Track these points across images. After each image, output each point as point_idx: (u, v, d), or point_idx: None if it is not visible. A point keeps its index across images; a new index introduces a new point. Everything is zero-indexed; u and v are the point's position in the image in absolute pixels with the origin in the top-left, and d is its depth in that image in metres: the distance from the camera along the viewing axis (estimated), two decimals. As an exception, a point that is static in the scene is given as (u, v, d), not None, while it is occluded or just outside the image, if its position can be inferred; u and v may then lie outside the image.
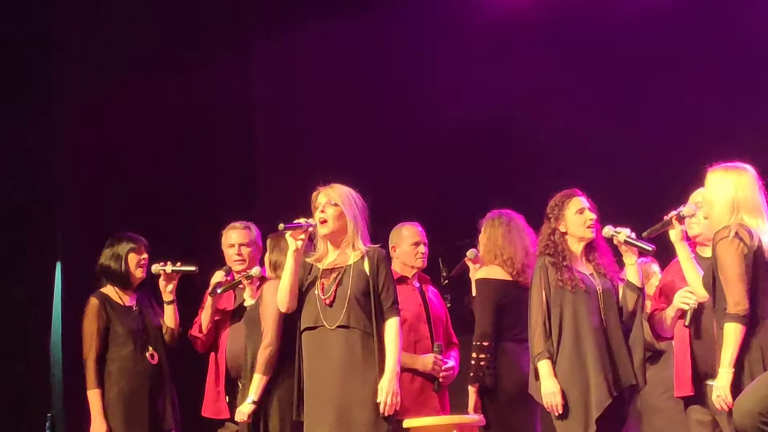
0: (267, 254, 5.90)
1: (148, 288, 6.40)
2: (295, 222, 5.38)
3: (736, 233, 4.92)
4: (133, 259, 6.28)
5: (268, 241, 5.92)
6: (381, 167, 7.72)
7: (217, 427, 6.23)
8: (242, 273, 6.18)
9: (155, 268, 6.28)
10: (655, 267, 6.12)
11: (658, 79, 7.74)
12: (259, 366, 5.66)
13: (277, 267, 5.78)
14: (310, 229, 5.39)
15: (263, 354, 5.66)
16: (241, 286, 6.18)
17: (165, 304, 6.29)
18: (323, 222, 5.40)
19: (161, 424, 6.15)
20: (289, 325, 5.59)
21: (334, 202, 5.40)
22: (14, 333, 7.86)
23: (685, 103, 7.60)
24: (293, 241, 5.37)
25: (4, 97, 7.99)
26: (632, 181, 7.41)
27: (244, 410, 5.68)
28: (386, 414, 5.22)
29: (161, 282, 6.29)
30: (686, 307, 5.27)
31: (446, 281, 6.44)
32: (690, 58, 7.66)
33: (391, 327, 5.34)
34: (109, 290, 6.29)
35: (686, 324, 5.27)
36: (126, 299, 6.28)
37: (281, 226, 5.37)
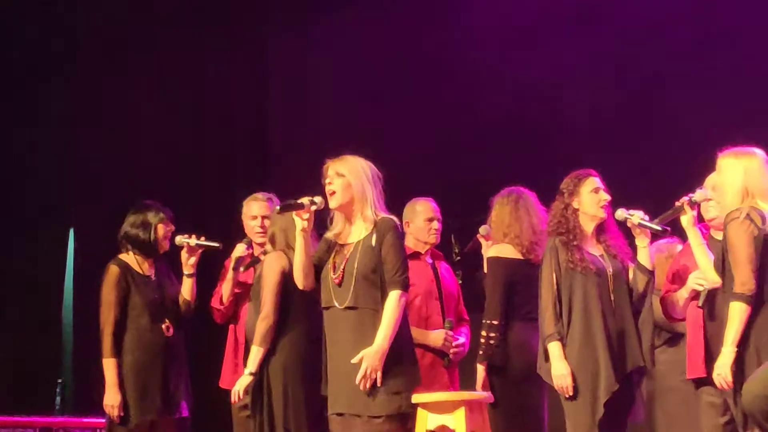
0: (267, 230, 5.92)
1: (165, 259, 6.38)
2: (287, 202, 5.36)
3: (747, 215, 4.94)
4: (161, 229, 6.24)
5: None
6: (397, 144, 7.71)
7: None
8: (261, 249, 6.16)
9: (179, 239, 6.26)
10: (681, 247, 6.10)
11: (679, 65, 7.71)
12: (256, 338, 5.65)
13: (274, 241, 5.79)
14: (314, 207, 5.35)
15: (261, 326, 5.64)
16: (260, 262, 6.16)
17: (185, 276, 6.27)
18: (332, 194, 5.36)
19: (173, 396, 6.13)
20: (294, 296, 5.58)
21: (340, 173, 5.36)
22: (26, 301, 7.92)
23: (705, 90, 7.56)
24: (299, 221, 5.31)
25: (23, 66, 8.04)
26: (650, 166, 7.41)
27: (242, 382, 5.68)
28: (361, 388, 5.16)
29: (183, 254, 6.27)
30: (700, 288, 5.28)
31: (458, 257, 6.44)
32: (713, 41, 7.62)
33: (390, 301, 5.19)
34: (130, 258, 6.24)
35: (700, 305, 5.28)
36: (145, 268, 6.25)
37: (277, 209, 5.38)
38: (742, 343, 4.92)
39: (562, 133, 7.80)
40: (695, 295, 5.34)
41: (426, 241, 6.11)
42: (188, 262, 6.26)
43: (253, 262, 6.18)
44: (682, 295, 5.43)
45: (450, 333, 5.98)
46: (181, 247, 6.27)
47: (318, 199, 5.34)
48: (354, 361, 5.15)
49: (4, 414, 6.90)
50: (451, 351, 5.99)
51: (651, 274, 5.53)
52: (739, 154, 5.11)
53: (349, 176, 5.33)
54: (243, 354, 6.05)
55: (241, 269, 6.19)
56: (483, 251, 6.22)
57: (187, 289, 6.27)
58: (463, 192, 7.42)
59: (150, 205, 6.31)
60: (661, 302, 5.55)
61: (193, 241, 6.25)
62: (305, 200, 5.33)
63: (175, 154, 8.24)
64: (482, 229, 6.20)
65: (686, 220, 5.32)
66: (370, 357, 5.14)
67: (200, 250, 6.27)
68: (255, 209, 6.37)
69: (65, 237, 8.15)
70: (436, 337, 5.95)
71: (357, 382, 5.13)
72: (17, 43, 8.20)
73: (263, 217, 6.30)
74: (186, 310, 6.28)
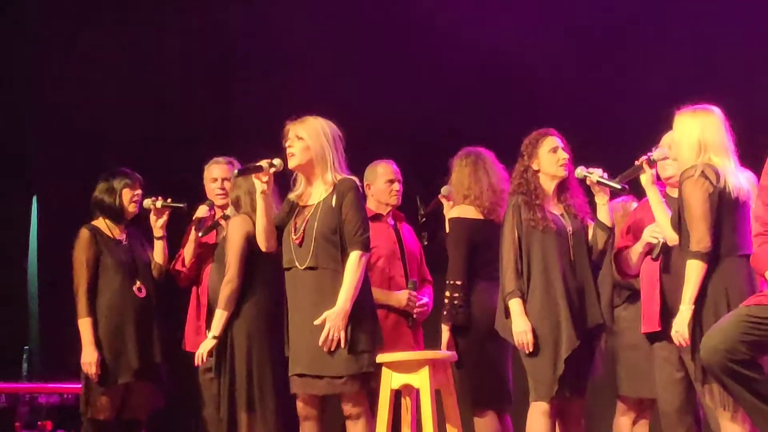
0: (229, 194, 5.94)
1: (140, 225, 6.46)
2: (246, 166, 5.39)
3: (702, 172, 4.99)
4: (126, 194, 6.34)
5: (230, 182, 5.96)
6: (361, 106, 7.70)
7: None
8: (222, 212, 6.20)
9: (146, 202, 6.35)
10: (635, 205, 6.16)
11: (641, 21, 7.73)
12: (220, 301, 5.68)
13: (237, 205, 5.82)
14: (272, 169, 5.36)
15: (225, 289, 5.68)
16: (221, 226, 6.20)
17: (155, 239, 6.35)
18: (291, 156, 5.38)
19: (149, 356, 6.20)
20: (257, 259, 5.61)
21: (300, 135, 5.38)
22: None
23: (665, 48, 7.59)
24: (259, 183, 5.35)
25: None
26: (609, 125, 7.44)
27: (205, 345, 5.71)
28: (325, 349, 5.19)
29: (152, 217, 6.35)
30: (655, 241, 5.34)
31: (423, 219, 6.46)
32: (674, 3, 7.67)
33: (351, 261, 5.21)
34: (101, 223, 6.34)
35: (654, 257, 5.33)
36: (116, 232, 6.34)
37: (235, 172, 5.42)
38: (700, 300, 4.98)
39: (524, 92, 7.81)
40: (649, 249, 5.40)
41: (387, 202, 6.14)
42: (157, 225, 6.34)
43: (214, 225, 6.23)
44: (636, 249, 5.49)
45: (413, 293, 6.02)
46: (150, 211, 6.33)
47: (277, 161, 5.37)
48: (317, 322, 5.19)
49: (-27, 381, 6.92)
50: (415, 311, 6.04)
51: (611, 231, 5.57)
52: (695, 111, 5.16)
53: (308, 138, 5.35)
54: (206, 316, 6.10)
55: (200, 233, 6.23)
56: (444, 212, 6.25)
57: (158, 252, 6.35)
58: (428, 153, 7.43)
59: (117, 171, 6.40)
60: (615, 258, 5.60)
61: (159, 202, 6.33)
62: (264, 163, 5.36)
63: (139, 120, 8.21)
64: (443, 190, 6.23)
65: (645, 178, 5.37)
66: (333, 318, 5.17)
67: (167, 212, 6.33)
68: (216, 172, 6.43)
69: (28, 205, 8.12)
70: (399, 297, 6.00)
71: (320, 343, 5.16)
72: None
73: (224, 180, 6.37)
74: (159, 274, 6.35)
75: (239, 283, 5.68)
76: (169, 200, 6.33)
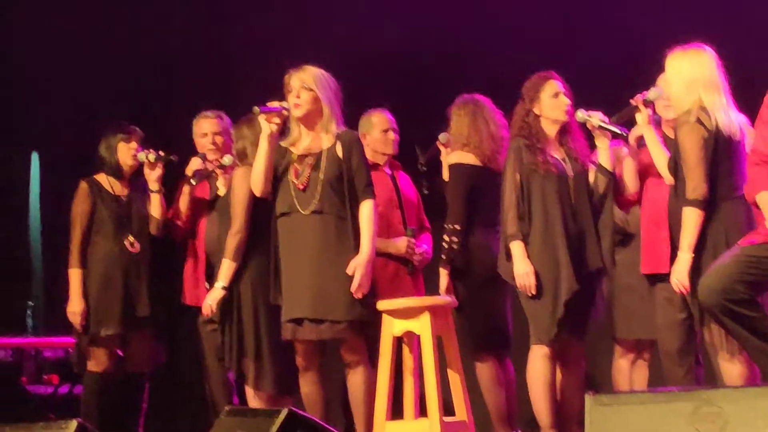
0: (233, 145, 5.91)
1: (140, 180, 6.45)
2: (269, 105, 5.37)
3: (698, 118, 4.96)
4: (123, 147, 6.36)
5: (232, 132, 5.94)
6: (356, 52, 7.65)
7: (198, 313, 6.30)
8: (215, 162, 6.20)
9: (140, 156, 6.34)
10: (626, 150, 6.14)
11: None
12: (227, 252, 5.70)
13: (243, 156, 5.81)
14: (285, 112, 5.38)
15: (232, 240, 5.70)
16: (214, 175, 6.21)
17: (150, 193, 6.35)
18: (297, 106, 5.38)
19: (134, 310, 6.24)
20: (262, 210, 5.62)
21: (308, 86, 5.38)
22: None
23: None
24: (267, 125, 5.36)
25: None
26: (606, 66, 7.38)
27: (213, 295, 5.74)
28: (358, 295, 5.28)
29: (146, 170, 6.35)
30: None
31: (423, 168, 6.45)
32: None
33: (366, 210, 5.35)
34: (101, 177, 6.38)
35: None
36: (117, 188, 6.37)
37: (256, 109, 5.37)
38: (699, 246, 4.97)
39: (521, 35, 7.73)
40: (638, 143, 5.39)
41: (383, 152, 6.14)
42: (152, 178, 6.33)
43: (206, 175, 6.21)
44: (628, 169, 5.44)
45: (412, 240, 6.03)
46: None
47: (287, 104, 5.39)
48: (349, 271, 5.25)
49: (-24, 338, 6.97)
50: (415, 258, 6.04)
51: (611, 175, 5.56)
52: (686, 50, 5.15)
53: (317, 89, 5.36)
54: (204, 268, 6.11)
55: (193, 181, 6.22)
56: (442, 158, 6.24)
57: (155, 206, 6.34)
58: (425, 100, 7.39)
59: (115, 126, 6.41)
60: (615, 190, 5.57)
61: (151, 156, 6.31)
62: (286, 104, 5.35)
63: (139, 74, 8.18)
64: (442, 137, 6.21)
65: (641, 118, 5.37)
66: (362, 266, 5.27)
67: (160, 165, 6.32)
68: (205, 126, 6.40)
69: (28, 160, 8.13)
70: (398, 245, 6.01)
71: (352, 289, 5.24)
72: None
73: (214, 134, 6.34)
74: (156, 228, 6.35)
75: (247, 233, 5.69)
76: (160, 152, 6.31)
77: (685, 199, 4.98)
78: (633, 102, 5.37)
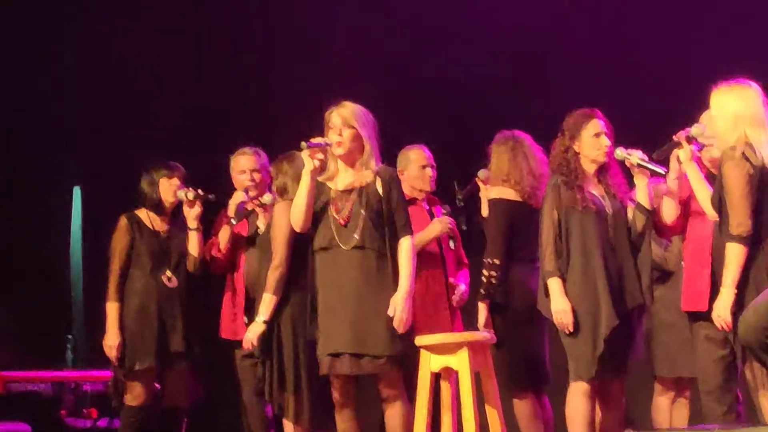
0: (273, 181, 5.95)
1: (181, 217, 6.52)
2: (314, 141, 5.41)
3: (743, 153, 4.93)
4: (164, 183, 6.44)
5: (272, 168, 5.98)
6: (395, 90, 7.70)
7: (235, 348, 6.33)
8: (255, 201, 6.22)
9: (179, 194, 6.40)
10: (665, 187, 6.12)
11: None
12: (268, 286, 5.73)
13: (283, 191, 5.84)
14: (329, 148, 5.42)
15: (273, 274, 5.72)
16: (254, 214, 6.23)
17: (189, 230, 6.38)
18: (339, 144, 5.42)
19: (168, 345, 6.28)
20: (302, 245, 5.65)
21: (349, 123, 5.43)
22: (35, 257, 7.99)
23: (701, 28, 7.53)
24: (310, 161, 5.39)
25: (24, 24, 8.03)
26: (648, 104, 7.39)
27: (254, 330, 5.76)
28: (399, 331, 5.30)
29: (185, 208, 6.39)
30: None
31: (461, 203, 6.46)
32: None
33: (405, 246, 5.39)
34: (142, 213, 6.46)
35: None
36: (157, 223, 6.45)
37: (303, 144, 5.40)
38: (742, 283, 4.93)
39: (562, 71, 7.77)
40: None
41: (421, 188, 6.17)
42: (190, 216, 6.38)
43: (248, 212, 6.24)
44: (668, 205, 5.42)
45: (445, 216, 6.11)
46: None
47: (330, 140, 5.43)
48: (390, 312, 5.28)
49: (18, 369, 7.00)
50: (454, 299, 6.07)
51: (649, 213, 5.53)
52: (731, 85, 5.12)
53: (358, 126, 5.42)
54: (244, 303, 6.14)
55: (233, 221, 6.25)
56: (481, 195, 6.24)
57: (193, 244, 6.38)
58: (465, 137, 7.41)
59: (159, 162, 6.49)
60: (654, 219, 5.53)
61: (191, 194, 6.35)
62: (321, 140, 5.41)
63: (179, 110, 8.26)
64: (481, 173, 6.23)
65: (684, 154, 5.32)
66: (401, 302, 5.31)
67: (199, 202, 6.36)
68: (243, 163, 6.44)
69: (71, 195, 8.22)
70: (434, 228, 6.08)
71: (396, 326, 5.27)
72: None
73: (252, 171, 6.38)
74: (193, 266, 6.39)
75: (288, 267, 5.72)
76: (199, 191, 6.36)
77: (728, 235, 4.94)
78: (676, 138, 5.35)
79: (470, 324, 6.01)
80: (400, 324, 5.28)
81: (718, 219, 5.08)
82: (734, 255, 4.92)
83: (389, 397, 5.37)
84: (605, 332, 5.38)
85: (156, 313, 6.28)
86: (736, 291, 4.91)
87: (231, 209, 6.35)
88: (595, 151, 5.56)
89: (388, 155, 5.89)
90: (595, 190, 5.59)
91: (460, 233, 6.33)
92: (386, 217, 5.40)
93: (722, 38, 7.34)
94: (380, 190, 5.42)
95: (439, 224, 6.10)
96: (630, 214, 5.59)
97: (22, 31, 8.11)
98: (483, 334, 5.65)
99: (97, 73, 8.09)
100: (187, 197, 6.35)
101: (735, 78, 5.15)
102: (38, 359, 7.28)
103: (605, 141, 5.56)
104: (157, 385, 6.33)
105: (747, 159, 4.93)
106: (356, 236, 5.37)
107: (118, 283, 6.33)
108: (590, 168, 5.60)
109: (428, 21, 8.13)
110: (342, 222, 5.41)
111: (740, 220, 4.91)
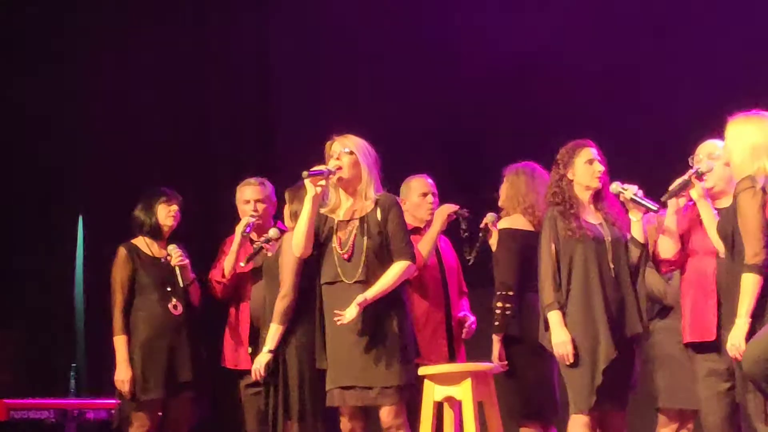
0: (287, 206, 5.96)
1: (182, 240, 6.56)
2: (317, 169, 5.43)
3: (762, 186, 4.92)
4: (162, 210, 6.44)
5: (287, 194, 5.99)
6: (399, 120, 7.74)
7: (238, 378, 6.34)
8: (260, 239, 6.22)
9: (169, 249, 6.42)
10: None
11: (679, 34, 7.71)
12: (275, 316, 5.73)
13: (296, 217, 5.85)
14: (332, 176, 5.44)
15: (280, 304, 5.72)
16: (263, 252, 6.19)
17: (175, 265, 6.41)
18: (338, 169, 5.45)
19: (178, 375, 6.28)
20: (309, 275, 5.66)
21: (349, 150, 5.46)
22: (38, 286, 8.01)
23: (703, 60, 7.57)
24: (312, 187, 5.41)
25: (23, 54, 8.07)
26: (642, 134, 7.43)
27: (261, 360, 5.76)
28: (339, 322, 5.30)
29: (176, 269, 6.39)
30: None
31: (466, 234, 6.43)
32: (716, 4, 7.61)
33: (396, 267, 5.37)
34: (140, 241, 6.46)
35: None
36: (155, 250, 6.45)
37: (305, 173, 5.41)
38: (757, 314, 4.90)
39: (556, 101, 7.80)
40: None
41: (422, 217, 6.17)
42: (179, 278, 6.39)
43: (255, 253, 6.20)
44: (664, 240, 5.42)
45: (444, 206, 6.09)
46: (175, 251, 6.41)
47: (332, 167, 5.44)
48: (356, 301, 5.28)
49: (22, 397, 7.00)
50: (464, 330, 6.09)
51: (644, 247, 5.54)
52: (749, 116, 5.08)
53: (358, 154, 5.44)
54: (248, 333, 6.13)
55: (242, 263, 6.24)
56: (490, 239, 6.20)
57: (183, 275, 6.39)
58: (470, 168, 7.45)
59: (155, 189, 6.50)
60: (653, 254, 5.54)
61: (173, 260, 6.38)
62: (332, 167, 5.41)
63: (180, 138, 8.31)
64: (489, 218, 6.22)
65: (696, 192, 5.30)
66: (361, 298, 5.29)
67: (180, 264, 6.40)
68: (248, 193, 6.48)
69: (74, 224, 8.24)
70: (441, 216, 6.07)
71: (344, 321, 5.26)
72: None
73: (256, 201, 6.42)
74: (189, 290, 6.40)
75: (295, 297, 5.73)
76: (179, 258, 6.38)
77: (744, 265, 4.92)
78: (685, 177, 5.33)
79: (474, 351, 6.00)
80: (342, 318, 5.27)
81: (729, 251, 5.07)
82: (750, 285, 4.88)
83: (392, 427, 5.36)
84: (604, 364, 5.38)
85: (164, 344, 6.28)
86: (750, 320, 4.91)
87: (237, 235, 6.36)
88: (588, 178, 5.59)
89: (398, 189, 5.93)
90: (593, 218, 5.61)
91: (462, 265, 6.32)
92: (386, 245, 5.40)
93: (720, 66, 7.38)
94: (379, 218, 5.43)
95: (445, 211, 6.05)
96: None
97: (27, 58, 8.15)
98: (486, 364, 5.65)
99: (98, 102, 8.13)
100: (170, 255, 6.37)
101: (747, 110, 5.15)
102: (41, 387, 7.29)
103: (598, 167, 5.59)
104: (159, 413, 6.32)
105: (763, 190, 4.93)
106: (359, 270, 5.38)
107: (123, 315, 6.31)
108: (584, 195, 5.62)
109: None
110: (346, 256, 5.41)
111: (756, 250, 4.88)
